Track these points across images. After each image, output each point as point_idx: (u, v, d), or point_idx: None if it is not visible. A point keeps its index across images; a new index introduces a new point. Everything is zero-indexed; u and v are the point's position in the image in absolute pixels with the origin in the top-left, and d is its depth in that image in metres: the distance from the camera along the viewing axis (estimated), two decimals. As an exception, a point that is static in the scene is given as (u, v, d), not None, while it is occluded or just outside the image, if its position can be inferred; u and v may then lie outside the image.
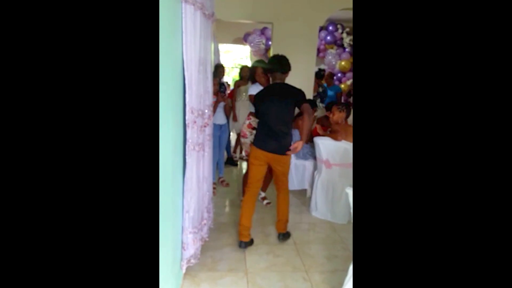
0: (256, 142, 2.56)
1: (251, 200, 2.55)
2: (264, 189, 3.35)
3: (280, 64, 2.55)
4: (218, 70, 3.79)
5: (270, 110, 2.49)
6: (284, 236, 2.68)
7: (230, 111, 3.57)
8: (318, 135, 3.31)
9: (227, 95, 3.51)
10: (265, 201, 3.34)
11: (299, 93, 2.49)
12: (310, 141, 3.51)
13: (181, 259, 1.96)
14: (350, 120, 4.20)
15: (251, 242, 2.55)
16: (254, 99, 2.68)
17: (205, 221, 2.27)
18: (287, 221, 2.68)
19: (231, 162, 4.64)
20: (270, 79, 2.72)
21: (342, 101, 5.63)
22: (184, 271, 2.01)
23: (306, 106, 2.45)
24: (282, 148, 2.49)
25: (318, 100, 4.66)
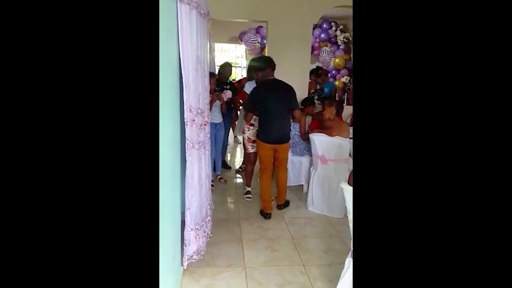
0: (262, 137, 2.93)
1: (267, 179, 3.03)
2: (248, 183, 3.42)
3: (269, 62, 2.94)
4: (226, 69, 3.80)
5: (273, 104, 2.83)
6: (284, 205, 3.19)
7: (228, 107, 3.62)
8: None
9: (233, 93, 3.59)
10: (246, 196, 3.41)
11: (291, 89, 2.91)
12: (306, 138, 3.55)
13: (183, 256, 1.98)
14: (345, 116, 4.24)
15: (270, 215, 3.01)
16: (251, 94, 2.97)
17: (209, 218, 2.31)
18: (285, 193, 3.19)
19: (223, 164, 4.35)
20: (260, 75, 2.98)
21: (337, 97, 5.68)
22: (185, 267, 2.04)
23: (297, 112, 3.02)
24: (284, 137, 2.98)
25: (316, 97, 4.69)
